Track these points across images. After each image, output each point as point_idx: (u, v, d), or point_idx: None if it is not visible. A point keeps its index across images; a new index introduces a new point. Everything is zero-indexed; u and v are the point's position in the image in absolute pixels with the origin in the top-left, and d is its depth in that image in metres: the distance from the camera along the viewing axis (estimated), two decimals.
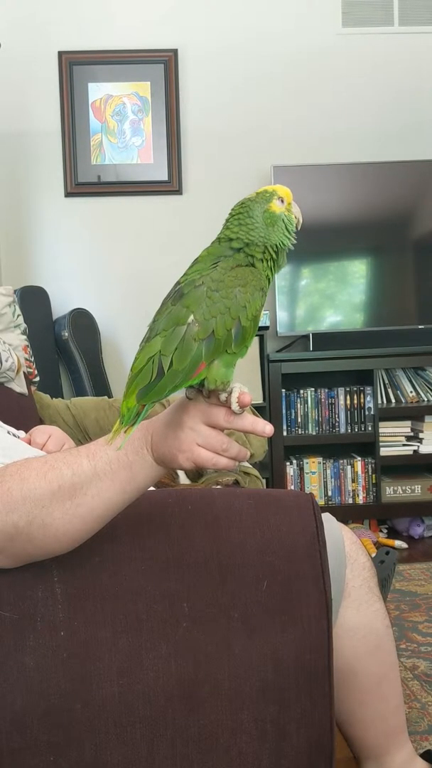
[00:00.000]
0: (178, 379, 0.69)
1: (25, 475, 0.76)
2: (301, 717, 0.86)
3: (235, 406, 0.72)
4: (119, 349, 3.24)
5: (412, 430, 3.05)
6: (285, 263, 0.79)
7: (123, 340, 3.24)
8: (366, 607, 0.99)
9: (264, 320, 2.97)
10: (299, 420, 3.03)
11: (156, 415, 0.78)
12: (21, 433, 1.35)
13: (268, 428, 0.74)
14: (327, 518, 0.96)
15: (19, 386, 1.72)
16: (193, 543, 0.86)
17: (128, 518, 0.85)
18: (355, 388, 3.02)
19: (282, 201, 0.78)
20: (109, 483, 0.75)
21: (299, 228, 0.80)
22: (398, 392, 3.06)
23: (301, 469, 3.03)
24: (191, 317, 0.70)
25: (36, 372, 1.93)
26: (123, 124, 3.19)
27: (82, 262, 3.23)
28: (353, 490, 3.02)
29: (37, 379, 1.95)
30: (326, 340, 3.03)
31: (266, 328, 3.02)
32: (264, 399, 2.98)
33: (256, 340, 3.02)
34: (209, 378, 0.71)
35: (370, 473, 3.00)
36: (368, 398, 3.01)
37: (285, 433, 3.00)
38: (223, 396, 0.73)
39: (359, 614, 0.98)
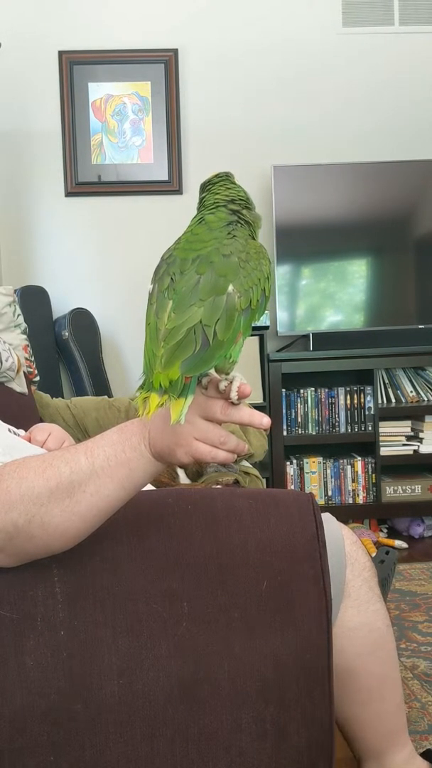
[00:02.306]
0: (222, 349, 0.69)
1: (23, 474, 0.76)
2: (301, 717, 0.86)
3: (234, 395, 0.72)
4: (119, 348, 3.24)
5: (412, 429, 3.05)
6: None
7: (123, 340, 3.24)
8: (366, 607, 0.99)
9: (264, 320, 2.98)
10: (299, 420, 3.03)
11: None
12: (21, 432, 1.35)
13: (265, 420, 0.74)
14: (327, 518, 0.96)
15: (20, 386, 1.72)
16: (193, 543, 0.86)
17: (128, 518, 0.85)
18: (355, 388, 3.02)
19: None
20: (107, 480, 0.75)
21: None
22: (398, 392, 3.06)
23: (301, 468, 3.03)
24: (231, 287, 0.70)
25: (36, 371, 1.93)
26: (123, 123, 3.19)
27: (82, 261, 3.23)
28: (353, 490, 3.02)
29: (38, 378, 1.95)
30: (326, 339, 3.03)
31: (266, 327, 3.02)
32: (264, 399, 2.98)
33: (256, 340, 3.03)
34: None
35: (370, 473, 3.00)
36: (368, 398, 3.01)
37: (285, 433, 3.00)
38: (222, 384, 0.73)
39: (360, 614, 0.98)
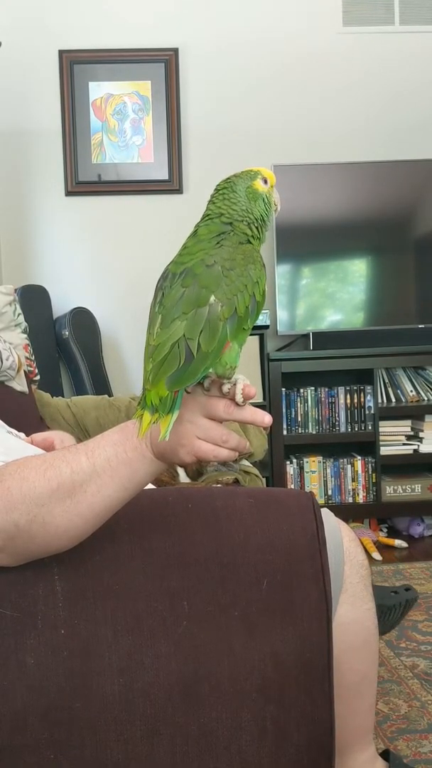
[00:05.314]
0: (208, 361, 0.70)
1: (25, 474, 0.76)
2: (300, 715, 0.86)
3: (239, 398, 0.73)
4: (119, 347, 3.24)
5: (412, 429, 3.05)
6: (265, 239, 0.81)
7: (123, 339, 3.24)
8: (360, 604, 0.99)
9: (264, 319, 2.98)
10: (299, 419, 3.03)
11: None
12: (21, 435, 1.34)
13: (267, 418, 0.75)
14: (326, 514, 0.96)
15: (20, 385, 1.73)
16: (194, 542, 0.86)
17: (129, 517, 0.85)
18: (355, 387, 3.02)
19: (266, 182, 0.80)
20: (108, 480, 0.75)
21: (276, 213, 0.83)
22: (398, 391, 3.06)
23: (301, 468, 3.03)
24: (212, 297, 0.71)
25: (36, 371, 1.93)
26: (124, 123, 3.19)
27: (82, 261, 3.23)
28: (353, 490, 3.02)
29: (38, 377, 1.95)
30: (326, 339, 3.03)
31: (266, 327, 3.02)
32: (264, 398, 2.98)
33: (256, 339, 3.03)
34: (220, 361, 0.72)
35: (370, 472, 3.01)
36: (368, 397, 3.01)
37: (285, 432, 3.00)
38: (225, 387, 0.73)
39: (353, 610, 0.98)
